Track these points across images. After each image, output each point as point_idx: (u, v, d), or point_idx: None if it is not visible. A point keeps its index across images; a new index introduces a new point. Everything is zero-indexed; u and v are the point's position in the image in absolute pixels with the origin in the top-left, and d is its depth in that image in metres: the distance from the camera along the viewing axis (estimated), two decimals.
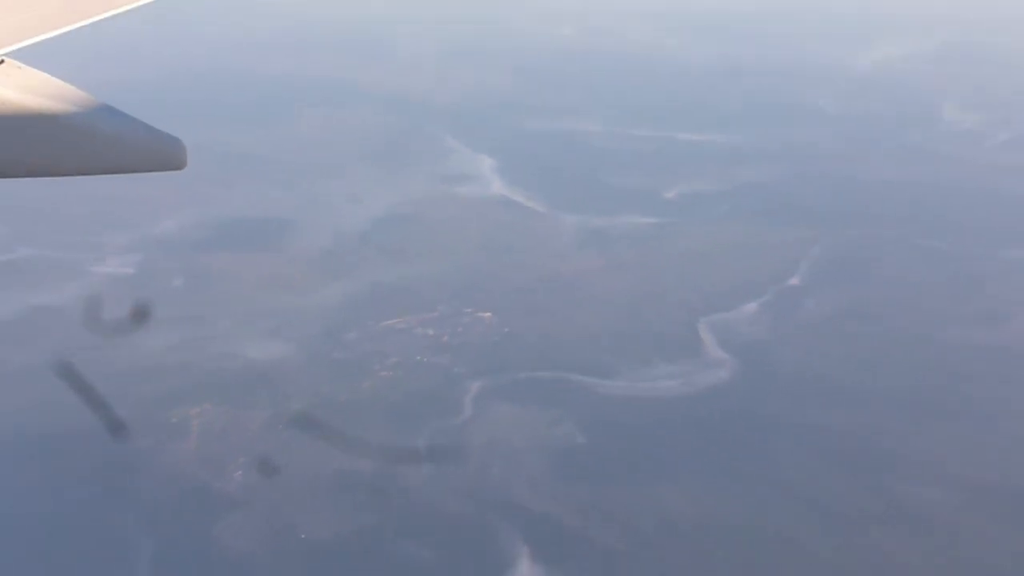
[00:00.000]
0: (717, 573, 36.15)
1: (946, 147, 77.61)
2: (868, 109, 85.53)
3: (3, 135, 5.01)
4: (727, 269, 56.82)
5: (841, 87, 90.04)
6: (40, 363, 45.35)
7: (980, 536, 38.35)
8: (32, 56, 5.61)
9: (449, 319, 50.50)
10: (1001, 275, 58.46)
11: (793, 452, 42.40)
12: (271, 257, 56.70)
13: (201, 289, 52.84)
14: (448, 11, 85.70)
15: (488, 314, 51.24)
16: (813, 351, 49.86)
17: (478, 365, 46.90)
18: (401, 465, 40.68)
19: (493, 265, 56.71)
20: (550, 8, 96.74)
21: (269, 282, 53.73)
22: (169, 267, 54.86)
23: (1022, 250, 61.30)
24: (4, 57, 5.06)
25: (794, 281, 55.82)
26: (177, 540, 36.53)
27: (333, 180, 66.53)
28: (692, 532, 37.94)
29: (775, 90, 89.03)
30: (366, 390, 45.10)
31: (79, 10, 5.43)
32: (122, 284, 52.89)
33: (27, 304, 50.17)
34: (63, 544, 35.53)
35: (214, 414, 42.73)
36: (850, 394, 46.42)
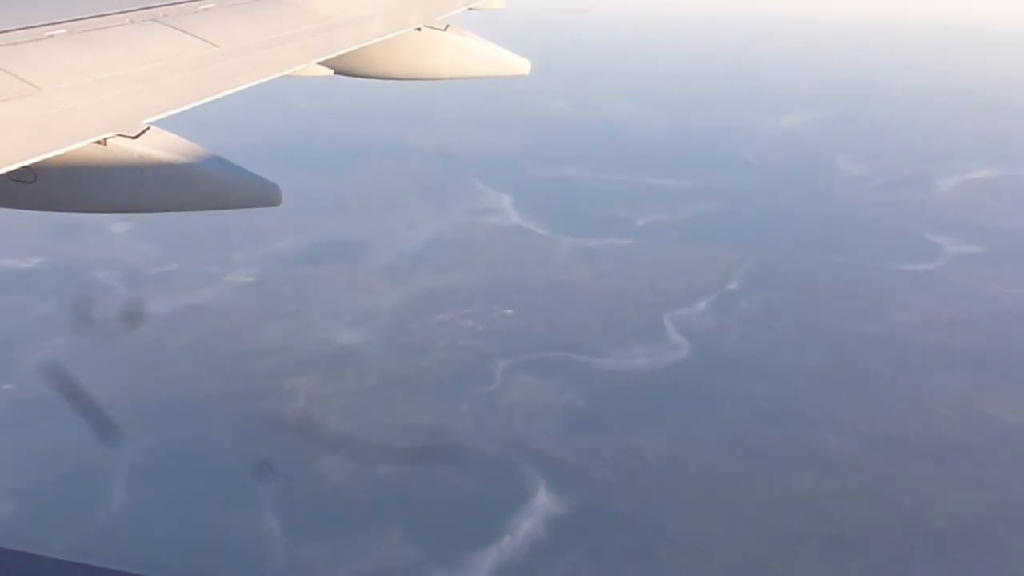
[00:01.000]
0: (680, 498, 36.36)
1: (839, 189, 77.45)
2: (781, 161, 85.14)
3: (151, 183, 5.10)
4: (683, 278, 56.79)
5: (762, 145, 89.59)
6: (190, 344, 45.75)
7: (870, 471, 38.59)
8: (168, 124, 5.57)
9: (482, 314, 50.57)
10: (880, 282, 58.50)
11: (734, 412, 42.58)
12: (352, 269, 56.71)
13: (303, 292, 52.91)
14: (470, 90, 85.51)
15: (510, 311, 51.33)
16: (747, 337, 49.96)
17: (504, 348, 46.93)
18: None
19: (512, 275, 56.69)
20: (545, 88, 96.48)
21: (351, 287, 53.84)
22: (279, 276, 54.88)
23: (896, 263, 61.37)
24: (149, 125, 5.09)
25: (732, 287, 55.76)
26: (291, 475, 36.77)
27: (394, 213, 66.51)
28: (662, 469, 38.19)
29: (714, 147, 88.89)
30: (424, 366, 45.33)
31: (200, 92, 5.49)
32: (245, 289, 53.11)
33: (178, 303, 50.32)
34: (212, 478, 35.85)
35: (315, 383, 42.99)
36: (774, 369, 46.60)
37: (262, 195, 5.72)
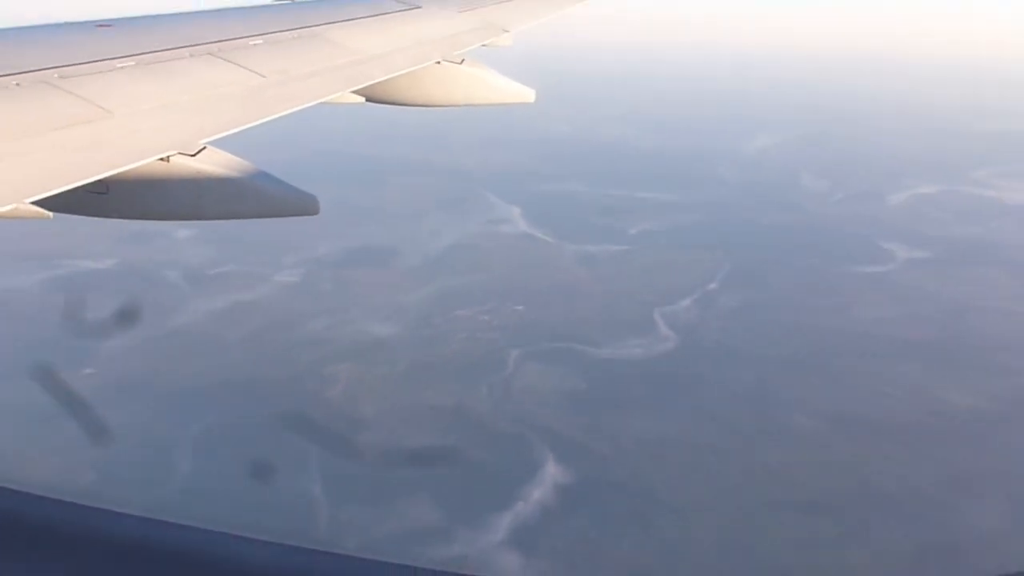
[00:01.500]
0: (669, 468, 36.33)
1: (805, 202, 77.40)
2: (754, 178, 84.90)
3: (207, 195, 5.18)
4: (670, 278, 56.72)
5: (736, 163, 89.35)
6: (245, 336, 45.87)
7: (835, 446, 38.56)
8: (222, 143, 5.60)
9: (496, 310, 50.48)
10: (842, 282, 58.42)
11: (715, 394, 42.55)
12: (383, 271, 56.71)
13: (341, 291, 52.89)
14: (483, 115, 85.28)
15: (520, 307, 51.24)
16: (726, 330, 49.91)
17: (515, 340, 46.83)
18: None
19: (522, 276, 56.60)
20: (548, 114, 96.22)
21: (383, 287, 53.75)
22: (321, 277, 54.88)
23: (855, 266, 61.38)
24: (205, 145, 5.14)
25: (713, 286, 55.68)
26: (333, 449, 36.94)
27: (419, 223, 66.48)
28: (654, 443, 38.09)
29: (695, 165, 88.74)
30: (446, 355, 45.31)
31: (249, 116, 5.53)
32: (292, 288, 53.04)
33: (234, 300, 50.48)
34: (264, 450, 35.77)
35: (353, 369, 42.94)
36: (750, 357, 46.55)
37: (303, 206, 5.83)
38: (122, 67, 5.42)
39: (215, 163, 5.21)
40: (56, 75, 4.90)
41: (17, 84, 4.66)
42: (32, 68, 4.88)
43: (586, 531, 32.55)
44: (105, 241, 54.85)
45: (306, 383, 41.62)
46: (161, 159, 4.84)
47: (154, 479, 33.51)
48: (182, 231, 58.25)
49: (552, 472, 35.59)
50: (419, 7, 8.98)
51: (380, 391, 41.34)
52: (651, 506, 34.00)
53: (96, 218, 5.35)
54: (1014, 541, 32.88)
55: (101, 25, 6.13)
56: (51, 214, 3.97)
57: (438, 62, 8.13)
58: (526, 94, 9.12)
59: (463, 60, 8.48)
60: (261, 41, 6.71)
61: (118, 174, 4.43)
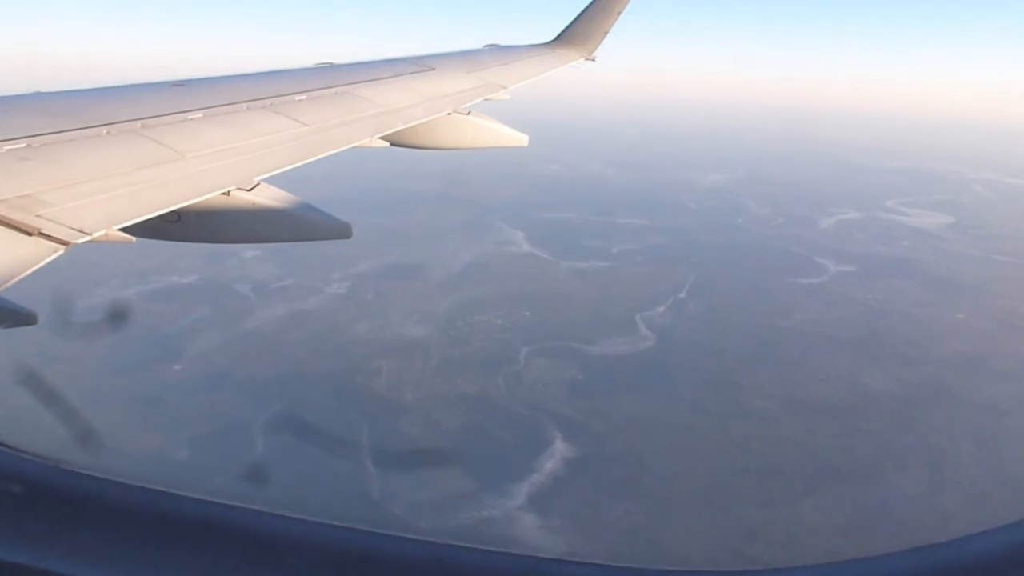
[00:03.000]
0: (653, 442, 35.63)
1: (751, 225, 77.53)
2: (710, 206, 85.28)
3: (261, 222, 5.12)
4: (647, 289, 56.34)
5: (696, 195, 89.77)
6: (304, 337, 44.97)
7: (784, 423, 38.10)
8: (273, 180, 5.34)
9: (508, 315, 49.94)
10: (785, 291, 58.30)
11: (686, 381, 42.04)
12: (414, 283, 55.98)
13: (381, 300, 52.21)
14: (486, 157, 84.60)
15: (528, 312, 50.71)
16: (693, 329, 49.52)
17: (525, 339, 46.26)
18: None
19: (527, 287, 56.06)
20: (540, 155, 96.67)
21: (415, 296, 53.08)
22: (364, 289, 54.08)
23: (795, 278, 61.20)
24: (260, 181, 5.06)
25: (682, 295, 55.41)
26: (379, 427, 36.04)
27: (443, 244, 66.20)
28: (639, 421, 37.59)
29: (663, 196, 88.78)
30: (468, 352, 44.64)
31: (295, 158, 5.44)
32: (341, 298, 52.39)
33: (294, 308, 49.72)
34: (324, 432, 35.19)
35: (393, 364, 42.27)
36: (714, 352, 46.00)
37: (339, 231, 5.76)
38: (193, 118, 5.47)
39: (267, 196, 5.13)
40: (140, 125, 4.95)
41: (108, 132, 4.74)
42: (121, 119, 4.95)
43: (589, 494, 31.93)
44: (187, 260, 54.20)
45: (356, 376, 40.85)
46: (223, 193, 4.81)
47: (235, 455, 32.70)
48: (249, 251, 57.66)
49: (560, 447, 35.07)
50: (433, 69, 8.94)
51: (417, 381, 40.62)
52: (641, 474, 33.45)
53: (172, 242, 5.18)
54: (933, 498, 32.49)
55: (176, 85, 6.18)
56: (134, 239, 3.90)
57: (449, 113, 8.06)
58: (521, 139, 9.06)
59: (469, 112, 8.45)
60: (305, 97, 6.69)
61: (188, 205, 4.44)
